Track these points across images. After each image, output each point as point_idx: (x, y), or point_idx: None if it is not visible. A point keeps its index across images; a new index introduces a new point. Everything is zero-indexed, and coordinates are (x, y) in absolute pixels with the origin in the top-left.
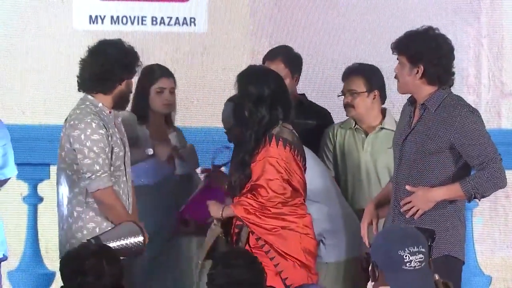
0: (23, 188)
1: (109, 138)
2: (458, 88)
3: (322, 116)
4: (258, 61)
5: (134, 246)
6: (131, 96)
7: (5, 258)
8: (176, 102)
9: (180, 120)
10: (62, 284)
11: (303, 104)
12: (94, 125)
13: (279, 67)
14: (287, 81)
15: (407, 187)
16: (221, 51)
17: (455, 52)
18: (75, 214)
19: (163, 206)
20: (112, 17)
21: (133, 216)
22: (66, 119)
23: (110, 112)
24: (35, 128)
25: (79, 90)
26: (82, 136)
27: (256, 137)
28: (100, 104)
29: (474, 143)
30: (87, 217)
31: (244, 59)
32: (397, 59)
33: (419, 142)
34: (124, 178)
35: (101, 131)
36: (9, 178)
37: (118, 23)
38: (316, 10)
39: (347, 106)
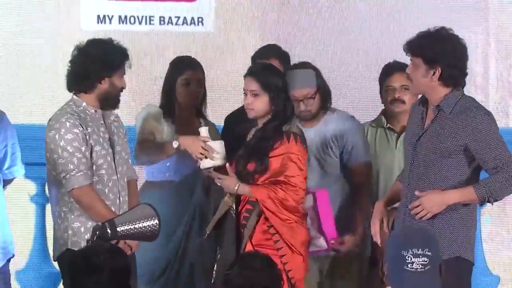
0: (31, 188)
1: (87, 137)
2: (466, 88)
3: None
4: None
5: (149, 231)
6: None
7: (13, 255)
8: (205, 94)
9: None
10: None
11: None
12: (68, 124)
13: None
14: None
15: (416, 192)
16: (229, 51)
17: None
18: (62, 214)
19: (185, 202)
20: (120, 16)
21: None
22: (48, 120)
23: (95, 111)
24: (43, 128)
25: (67, 90)
26: (57, 136)
27: (280, 129)
28: (84, 104)
29: (489, 147)
30: (72, 217)
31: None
32: (411, 60)
33: (433, 144)
34: (114, 177)
35: (75, 130)
36: (15, 178)
37: (126, 22)
38: (322, 10)
39: (397, 101)
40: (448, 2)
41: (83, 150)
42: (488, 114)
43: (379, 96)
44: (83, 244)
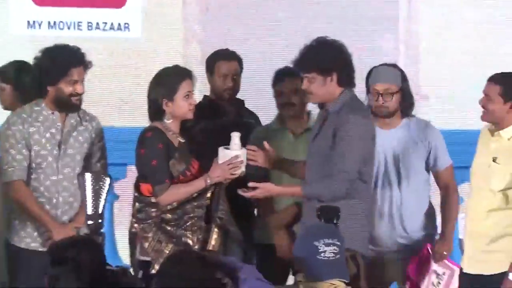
0: None
1: (26, 136)
2: None
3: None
4: (191, 65)
5: None
6: None
7: None
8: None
9: (113, 120)
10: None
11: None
12: (11, 121)
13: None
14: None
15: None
16: (155, 56)
17: (376, 58)
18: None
19: None
20: (49, 22)
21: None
22: None
23: (53, 113)
24: None
25: None
26: (1, 132)
27: None
28: (43, 104)
29: (341, 149)
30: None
31: (176, 63)
32: (304, 76)
33: (321, 144)
34: (54, 177)
35: (14, 127)
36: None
37: (55, 28)
38: (246, 16)
39: (287, 105)
40: (360, 12)
41: (19, 147)
42: (364, 119)
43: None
44: (16, 238)
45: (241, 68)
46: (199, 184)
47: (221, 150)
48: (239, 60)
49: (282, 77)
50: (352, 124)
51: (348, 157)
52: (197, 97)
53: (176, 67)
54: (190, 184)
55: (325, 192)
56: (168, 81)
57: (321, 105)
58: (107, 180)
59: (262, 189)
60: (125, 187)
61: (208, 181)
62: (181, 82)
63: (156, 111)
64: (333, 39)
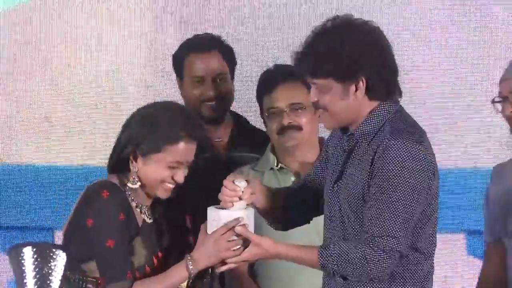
0: None
1: None
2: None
3: None
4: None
5: None
6: None
7: None
8: None
9: (31, 154)
10: None
11: None
12: None
13: None
14: None
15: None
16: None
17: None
18: None
19: None
20: None
21: None
22: None
23: None
24: None
25: None
26: None
27: None
28: None
29: (380, 203)
30: None
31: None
32: (311, 83)
33: (348, 189)
34: None
35: None
36: None
37: None
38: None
39: (289, 129)
40: None
41: None
42: (417, 144)
43: None
44: None
45: (232, 63)
46: (179, 274)
47: (212, 211)
48: (224, 50)
49: (277, 82)
50: (395, 156)
51: (393, 213)
52: None
53: (182, 110)
54: (165, 276)
55: (357, 267)
56: (160, 131)
57: (344, 129)
58: (62, 256)
59: (255, 248)
60: None
61: (192, 267)
62: (174, 143)
63: (119, 160)
64: (362, 20)
